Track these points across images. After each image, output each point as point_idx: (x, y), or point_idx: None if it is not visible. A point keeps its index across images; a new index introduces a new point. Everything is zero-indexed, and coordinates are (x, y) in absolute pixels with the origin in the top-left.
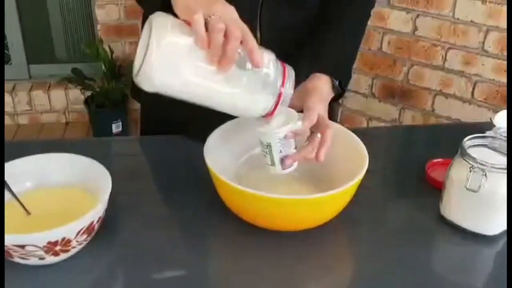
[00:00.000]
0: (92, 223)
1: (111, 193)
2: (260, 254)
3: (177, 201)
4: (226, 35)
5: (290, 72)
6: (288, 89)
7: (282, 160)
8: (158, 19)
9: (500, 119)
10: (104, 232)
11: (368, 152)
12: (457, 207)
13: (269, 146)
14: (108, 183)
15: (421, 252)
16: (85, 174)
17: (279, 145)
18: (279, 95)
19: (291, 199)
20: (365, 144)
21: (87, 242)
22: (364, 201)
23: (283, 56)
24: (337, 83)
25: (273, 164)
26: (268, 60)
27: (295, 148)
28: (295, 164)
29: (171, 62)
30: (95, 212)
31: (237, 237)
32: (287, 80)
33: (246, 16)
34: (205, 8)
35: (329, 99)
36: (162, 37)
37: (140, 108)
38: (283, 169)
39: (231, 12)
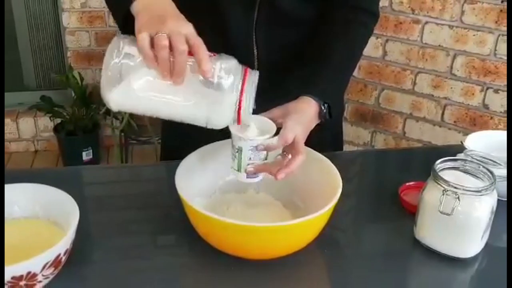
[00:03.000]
0: (58, 256)
1: (79, 223)
2: (235, 285)
3: (148, 231)
4: (172, 50)
5: (253, 78)
6: (248, 96)
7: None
8: (114, 41)
9: (470, 142)
10: (72, 264)
11: (342, 176)
12: (431, 231)
13: (239, 150)
14: (75, 214)
15: (397, 275)
16: (52, 205)
17: (249, 153)
18: (239, 102)
19: (264, 226)
20: (338, 167)
21: (54, 275)
22: (339, 225)
23: (282, 73)
24: (325, 110)
25: (239, 169)
26: (224, 68)
27: (265, 160)
28: (260, 177)
29: (121, 81)
30: (62, 244)
31: (210, 268)
32: (246, 85)
33: (241, 37)
34: (155, 26)
35: (312, 126)
36: (111, 59)
37: (162, 124)
38: (247, 177)
39: (181, 26)
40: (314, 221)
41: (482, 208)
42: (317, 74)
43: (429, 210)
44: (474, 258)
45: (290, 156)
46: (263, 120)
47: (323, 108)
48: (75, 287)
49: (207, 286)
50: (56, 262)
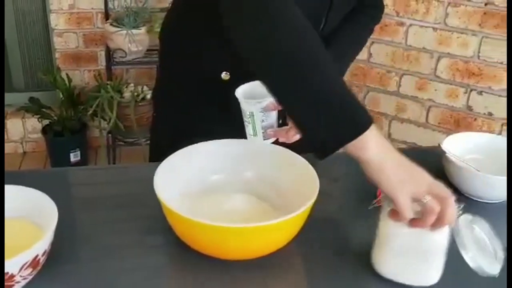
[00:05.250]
0: (36, 256)
1: (62, 224)
2: (223, 284)
3: (136, 231)
4: None
5: None
6: None
7: (264, 131)
8: None
9: (448, 144)
10: (60, 264)
11: (328, 177)
12: (389, 261)
13: (251, 115)
14: (54, 216)
15: (377, 275)
16: (33, 207)
17: (261, 115)
18: None
19: (240, 228)
20: (325, 168)
21: (32, 276)
22: (322, 225)
23: None
24: None
25: (255, 134)
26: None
27: (279, 122)
28: (272, 139)
29: None
30: (40, 246)
31: (198, 267)
32: None
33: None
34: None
35: None
36: None
37: (154, 119)
38: (265, 139)
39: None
40: (291, 221)
41: (443, 234)
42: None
43: (386, 241)
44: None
45: None
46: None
47: None
48: (62, 287)
49: (195, 286)
50: (34, 263)
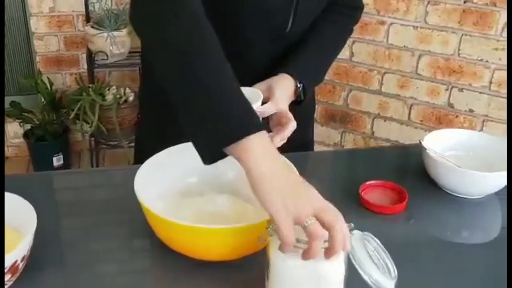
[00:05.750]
0: (15, 262)
1: (44, 229)
2: (201, 285)
3: (121, 235)
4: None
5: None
6: None
7: None
8: None
9: (428, 141)
10: (34, 270)
11: (313, 177)
12: None
13: None
14: (33, 220)
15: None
16: (10, 211)
17: None
18: None
19: (222, 228)
20: (310, 168)
21: (11, 282)
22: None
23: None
24: (300, 89)
25: None
26: None
27: None
28: None
29: None
30: (18, 251)
31: (175, 270)
32: None
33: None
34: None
35: (290, 101)
36: None
37: (139, 119)
38: None
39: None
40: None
41: (339, 259)
42: (297, 55)
43: (276, 267)
44: None
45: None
46: (249, 90)
47: (298, 87)
48: None
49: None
50: (12, 269)
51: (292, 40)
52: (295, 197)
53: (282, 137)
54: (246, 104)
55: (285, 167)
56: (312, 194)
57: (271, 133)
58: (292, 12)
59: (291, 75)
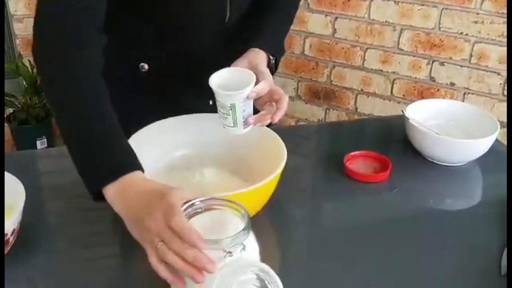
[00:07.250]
0: (5, 236)
1: (30, 213)
2: None
3: (106, 218)
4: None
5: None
6: None
7: (245, 120)
8: None
9: (411, 111)
10: (30, 253)
11: (298, 153)
12: None
13: (233, 107)
14: (21, 194)
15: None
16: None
17: (242, 105)
18: None
19: None
20: (295, 141)
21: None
22: (295, 201)
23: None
24: (273, 60)
25: (235, 125)
26: None
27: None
28: (250, 127)
29: None
30: (9, 224)
31: None
32: None
33: None
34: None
35: None
36: None
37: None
38: (244, 128)
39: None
40: (258, 190)
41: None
42: (261, 30)
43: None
44: None
45: (274, 103)
46: (242, 71)
47: (271, 59)
48: (33, 275)
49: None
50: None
51: (233, 29)
52: (138, 227)
53: (282, 114)
54: (100, 157)
55: (137, 197)
56: (159, 210)
57: (263, 112)
58: (228, 2)
59: (263, 49)
